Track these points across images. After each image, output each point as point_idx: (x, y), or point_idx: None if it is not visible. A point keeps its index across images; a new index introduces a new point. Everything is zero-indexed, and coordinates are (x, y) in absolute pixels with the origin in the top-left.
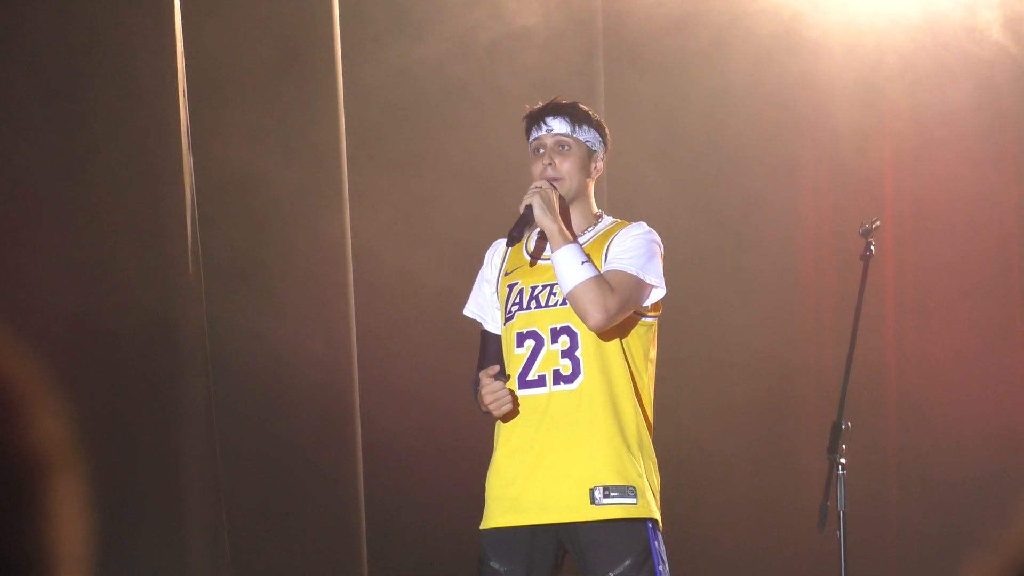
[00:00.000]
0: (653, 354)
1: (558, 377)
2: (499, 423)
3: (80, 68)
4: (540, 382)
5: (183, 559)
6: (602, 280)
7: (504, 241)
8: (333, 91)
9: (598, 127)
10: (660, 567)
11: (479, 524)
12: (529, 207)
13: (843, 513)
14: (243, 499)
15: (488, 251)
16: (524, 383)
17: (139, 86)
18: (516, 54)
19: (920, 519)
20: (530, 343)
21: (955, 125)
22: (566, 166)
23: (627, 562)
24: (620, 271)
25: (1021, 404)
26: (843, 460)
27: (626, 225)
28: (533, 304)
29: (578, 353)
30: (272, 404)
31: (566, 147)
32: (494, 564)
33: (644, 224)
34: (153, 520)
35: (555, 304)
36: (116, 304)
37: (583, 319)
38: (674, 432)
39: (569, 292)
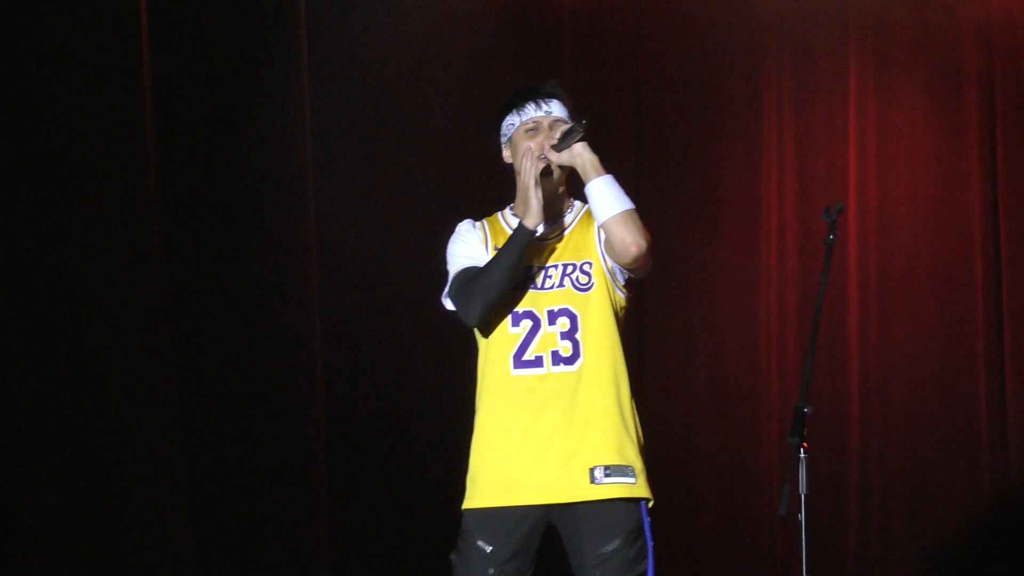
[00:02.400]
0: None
1: (557, 358)
2: (484, 402)
3: (51, 60)
4: (537, 363)
5: (147, 539)
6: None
7: (484, 222)
8: (299, 78)
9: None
10: (651, 543)
11: (439, 514)
12: (581, 124)
13: (804, 496)
14: (210, 483)
15: (464, 225)
16: (519, 363)
17: (106, 73)
18: (479, 30)
19: (881, 502)
20: (527, 323)
21: (917, 110)
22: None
23: (618, 540)
24: None
25: (981, 388)
26: (805, 444)
27: None
28: (530, 284)
29: (578, 335)
30: (238, 390)
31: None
32: (480, 543)
33: None
34: (122, 498)
35: (551, 287)
36: (85, 282)
37: (625, 245)
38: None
39: (618, 214)
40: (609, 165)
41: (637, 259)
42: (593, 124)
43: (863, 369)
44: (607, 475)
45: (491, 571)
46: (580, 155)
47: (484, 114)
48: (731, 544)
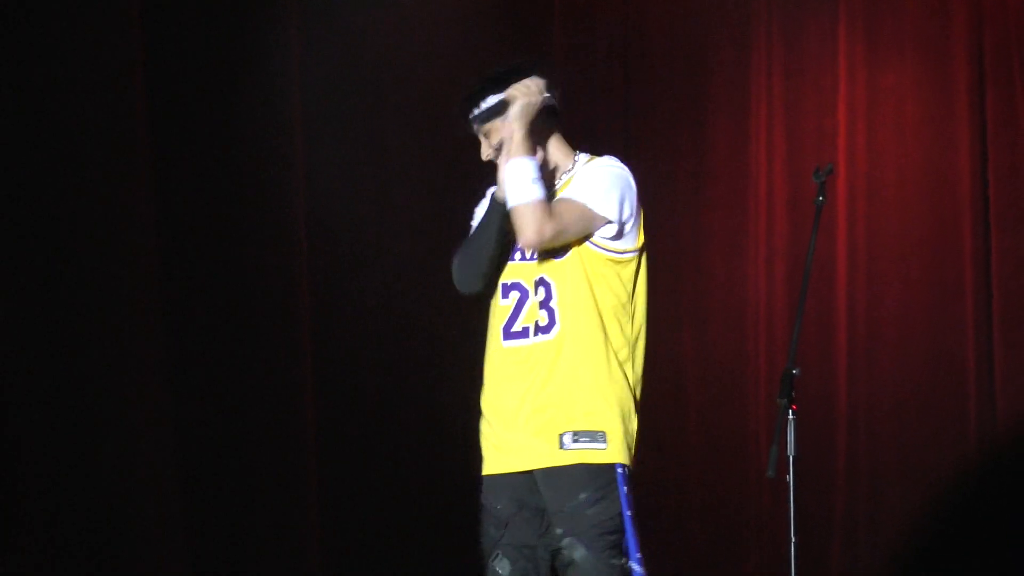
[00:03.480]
0: (637, 294)
1: (538, 328)
2: (484, 374)
3: (36, 33)
4: (523, 334)
5: (139, 536)
6: (546, 204)
7: (491, 192)
8: (289, 59)
9: (526, 75)
10: (628, 511)
11: (435, 510)
12: (506, 102)
13: (792, 458)
14: (201, 477)
15: (480, 206)
16: (508, 335)
17: (95, 48)
18: (473, 12)
19: (868, 464)
20: (515, 294)
21: (907, 75)
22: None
23: (583, 494)
24: (567, 200)
25: (969, 352)
26: (794, 406)
27: (595, 160)
28: (517, 255)
29: (552, 303)
30: (228, 380)
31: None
32: (485, 502)
33: (612, 158)
34: (113, 494)
35: (533, 256)
36: (76, 269)
37: (517, 235)
38: None
39: (512, 207)
40: (598, 132)
41: (528, 248)
42: (583, 89)
43: (851, 333)
44: (575, 440)
45: (492, 531)
46: (511, 125)
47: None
48: (718, 505)
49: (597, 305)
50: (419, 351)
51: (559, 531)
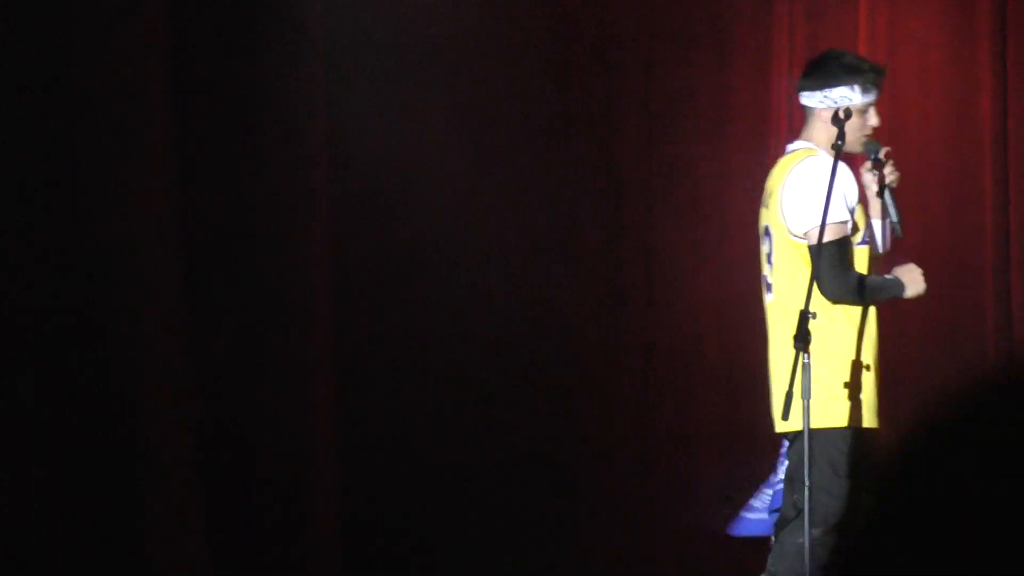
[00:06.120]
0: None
1: None
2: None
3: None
4: None
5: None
6: None
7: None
8: (314, 25)
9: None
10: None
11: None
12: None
13: (807, 403)
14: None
15: (845, 168)
16: None
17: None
18: None
19: (884, 407)
20: None
21: (929, 18)
22: None
23: None
24: None
25: (987, 297)
26: (809, 349)
27: None
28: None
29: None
30: (247, 352)
31: None
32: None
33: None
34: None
35: None
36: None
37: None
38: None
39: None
40: (615, 73)
41: None
42: (601, 34)
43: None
44: None
45: None
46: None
47: (502, 33)
48: (734, 448)
49: None
50: (450, 313)
51: None
